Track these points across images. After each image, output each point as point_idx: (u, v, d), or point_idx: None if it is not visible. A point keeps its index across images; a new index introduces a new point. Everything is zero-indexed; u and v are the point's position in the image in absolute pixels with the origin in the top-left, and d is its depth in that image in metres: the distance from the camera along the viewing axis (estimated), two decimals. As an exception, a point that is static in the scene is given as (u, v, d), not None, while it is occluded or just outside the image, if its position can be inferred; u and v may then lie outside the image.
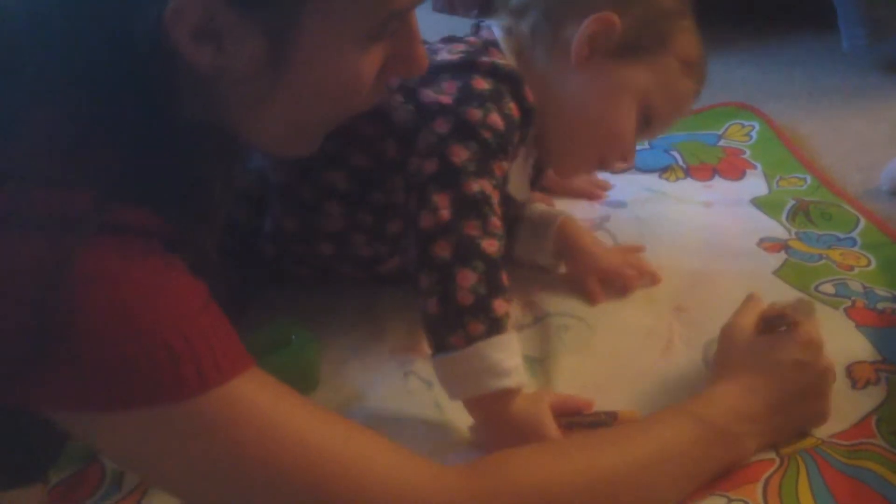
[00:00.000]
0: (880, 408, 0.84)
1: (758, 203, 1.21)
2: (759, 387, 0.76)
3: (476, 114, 0.81)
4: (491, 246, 0.77)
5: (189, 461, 0.58)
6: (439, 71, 0.84)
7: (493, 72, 0.84)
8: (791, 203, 1.20)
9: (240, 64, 0.59)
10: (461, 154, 0.79)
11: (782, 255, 1.07)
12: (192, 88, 0.58)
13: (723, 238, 1.11)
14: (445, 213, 0.76)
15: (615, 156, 0.95)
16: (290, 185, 0.89)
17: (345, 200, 0.88)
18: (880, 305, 0.97)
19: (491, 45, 0.89)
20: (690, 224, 1.16)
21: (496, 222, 0.78)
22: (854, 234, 1.12)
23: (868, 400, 0.85)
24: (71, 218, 0.55)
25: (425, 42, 0.90)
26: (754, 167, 1.33)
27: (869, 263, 1.06)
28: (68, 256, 0.54)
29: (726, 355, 0.82)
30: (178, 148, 0.59)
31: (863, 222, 1.15)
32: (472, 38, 0.91)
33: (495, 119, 0.81)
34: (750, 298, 0.86)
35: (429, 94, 0.82)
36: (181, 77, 0.57)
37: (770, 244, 1.10)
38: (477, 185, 0.78)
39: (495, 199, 0.79)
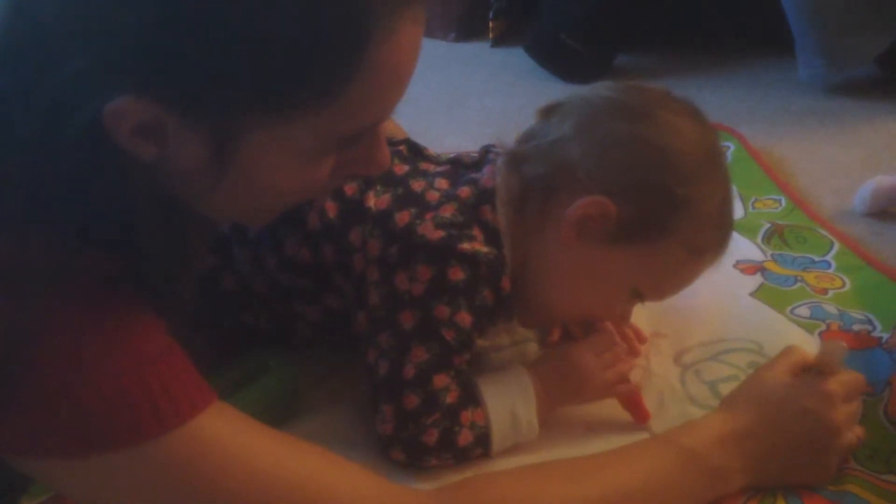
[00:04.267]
0: (856, 430, 0.84)
1: (734, 225, 1.22)
2: (755, 426, 0.76)
3: (444, 311, 0.79)
4: (430, 436, 0.79)
5: (152, 501, 0.59)
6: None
7: (473, 260, 0.79)
8: (766, 226, 1.21)
9: (183, 160, 0.57)
10: (420, 356, 0.79)
11: (758, 278, 1.08)
12: (138, 171, 0.57)
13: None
14: (389, 427, 0.79)
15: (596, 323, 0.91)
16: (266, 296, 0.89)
17: (316, 325, 0.90)
18: (855, 327, 0.98)
19: (486, 197, 0.82)
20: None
21: (435, 426, 0.79)
22: (828, 258, 1.14)
23: (844, 422, 0.85)
24: (28, 266, 0.55)
25: (426, 160, 0.89)
26: (730, 189, 1.34)
27: (843, 285, 1.07)
28: (25, 305, 0.54)
29: (741, 390, 0.81)
30: (134, 207, 0.58)
31: (837, 245, 1.16)
32: (468, 191, 0.83)
33: (463, 318, 0.79)
34: (791, 348, 0.83)
35: (402, 280, 0.79)
36: (125, 160, 0.56)
37: (746, 266, 1.11)
38: (417, 398, 0.78)
39: (452, 384, 0.80)
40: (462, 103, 1.72)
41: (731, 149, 1.48)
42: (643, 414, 0.86)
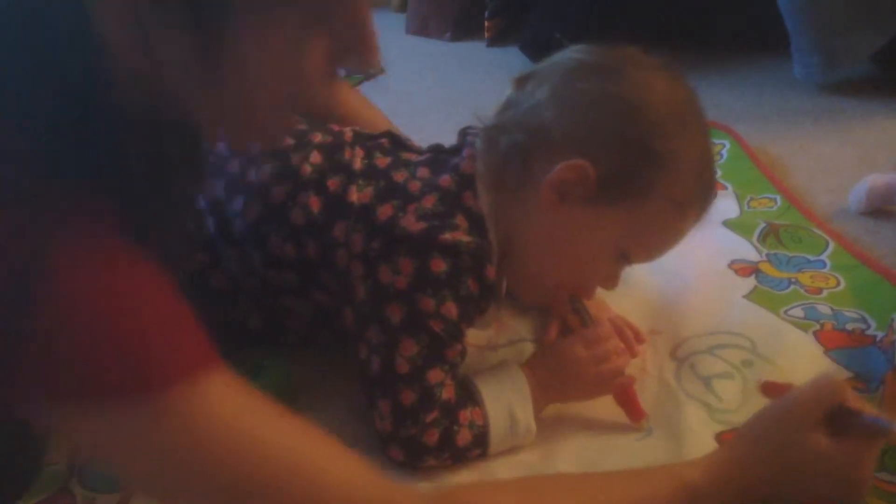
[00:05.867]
0: (850, 428, 0.85)
1: (729, 224, 1.23)
2: (766, 479, 0.72)
3: (430, 303, 0.79)
4: (431, 437, 0.79)
5: (157, 456, 0.58)
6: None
7: (454, 251, 0.79)
8: (762, 226, 1.21)
9: (172, 56, 0.55)
10: (410, 349, 0.79)
11: (752, 281, 1.08)
12: (129, 80, 0.55)
13: (694, 260, 1.12)
14: (388, 425, 0.80)
15: (585, 293, 0.92)
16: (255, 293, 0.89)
17: (306, 321, 0.91)
18: (849, 326, 0.98)
19: (467, 183, 0.82)
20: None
21: (435, 425, 0.79)
22: (824, 257, 1.14)
23: (837, 420, 0.86)
24: (47, 198, 0.54)
25: (408, 151, 0.89)
26: (725, 187, 1.34)
27: (838, 284, 1.08)
28: (47, 234, 0.53)
29: (760, 429, 0.75)
30: (127, 136, 0.57)
31: (832, 245, 1.16)
32: (448, 178, 0.83)
33: (449, 309, 0.79)
34: (832, 382, 0.75)
35: (386, 273, 0.80)
36: (114, 70, 0.55)
37: (741, 266, 1.12)
38: (414, 393, 0.79)
39: (447, 379, 0.80)
40: (458, 102, 1.72)
41: (726, 147, 1.48)
42: (638, 412, 0.86)
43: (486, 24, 2.15)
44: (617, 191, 0.79)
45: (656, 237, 0.85)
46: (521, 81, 0.85)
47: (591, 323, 0.90)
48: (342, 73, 0.78)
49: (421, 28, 2.24)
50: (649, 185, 0.79)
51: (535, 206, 0.82)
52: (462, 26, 2.21)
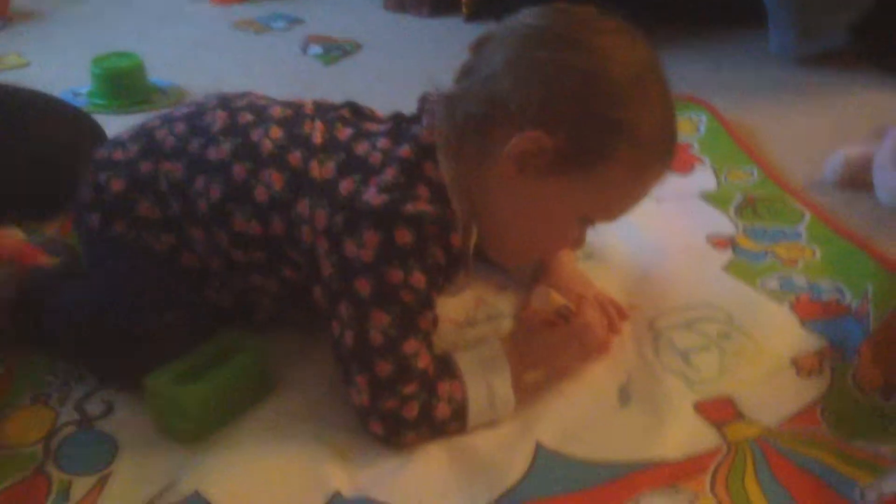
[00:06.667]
0: (825, 396, 0.86)
1: (707, 197, 1.23)
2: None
3: (397, 275, 0.79)
4: (411, 410, 0.79)
5: None
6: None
7: (418, 221, 0.79)
8: (739, 197, 1.22)
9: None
10: (382, 320, 0.79)
11: (729, 254, 1.09)
12: None
13: (672, 233, 1.13)
14: (365, 398, 0.80)
15: (555, 253, 0.94)
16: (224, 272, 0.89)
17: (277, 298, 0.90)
18: (825, 296, 0.99)
19: (427, 152, 0.82)
20: (641, 219, 1.17)
21: (415, 398, 0.80)
22: (800, 229, 1.15)
23: (812, 389, 0.87)
24: None
25: (370, 121, 0.89)
26: (702, 161, 1.34)
27: (814, 255, 1.08)
28: None
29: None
30: None
31: (808, 216, 1.17)
32: (408, 149, 0.83)
33: (417, 278, 0.79)
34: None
35: (351, 248, 0.80)
36: None
37: (718, 240, 1.12)
38: (389, 365, 0.79)
39: (422, 349, 0.81)
40: (436, 79, 1.71)
41: (703, 121, 1.48)
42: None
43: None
44: (576, 160, 0.79)
45: (617, 201, 0.85)
46: (478, 46, 0.84)
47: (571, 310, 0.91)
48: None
49: (398, 4, 2.22)
50: (608, 152, 0.79)
51: (495, 178, 0.82)
52: (440, 2, 2.19)
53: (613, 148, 0.79)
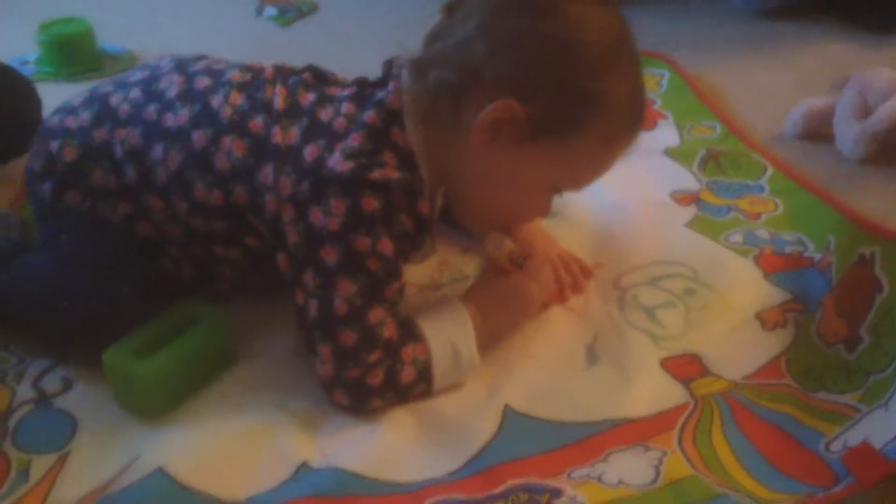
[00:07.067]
0: (789, 349, 0.86)
1: (670, 153, 1.23)
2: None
3: (364, 242, 0.78)
4: (375, 377, 0.78)
5: None
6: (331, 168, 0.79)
7: (385, 187, 0.78)
8: (702, 152, 1.21)
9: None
10: (348, 289, 0.77)
11: (693, 209, 1.09)
12: None
13: (637, 190, 1.12)
14: (329, 368, 0.79)
15: (524, 222, 0.94)
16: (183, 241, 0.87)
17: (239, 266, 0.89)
18: (788, 249, 0.99)
19: (394, 118, 0.81)
20: (606, 177, 1.16)
21: (379, 365, 0.79)
22: (762, 182, 1.15)
23: (777, 341, 0.88)
24: None
25: (332, 85, 0.87)
26: (665, 117, 1.34)
27: (776, 208, 1.08)
28: None
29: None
30: None
31: (770, 169, 1.17)
32: (374, 114, 0.81)
33: (385, 246, 0.78)
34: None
35: (317, 216, 0.78)
36: None
37: (682, 196, 1.12)
38: (354, 334, 0.78)
39: (387, 318, 0.80)
40: (391, 40, 1.68)
41: (665, 77, 1.47)
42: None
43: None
44: (548, 129, 0.79)
45: (586, 171, 0.85)
46: (450, 10, 0.82)
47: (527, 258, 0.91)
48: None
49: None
50: (580, 123, 0.79)
51: (467, 145, 0.81)
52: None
53: (586, 119, 0.79)
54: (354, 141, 0.79)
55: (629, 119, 0.83)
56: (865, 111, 1.21)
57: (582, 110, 0.79)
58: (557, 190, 0.86)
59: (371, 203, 0.78)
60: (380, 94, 0.82)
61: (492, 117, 0.78)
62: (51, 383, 0.84)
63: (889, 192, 1.13)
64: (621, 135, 0.83)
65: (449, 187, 0.86)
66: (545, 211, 0.89)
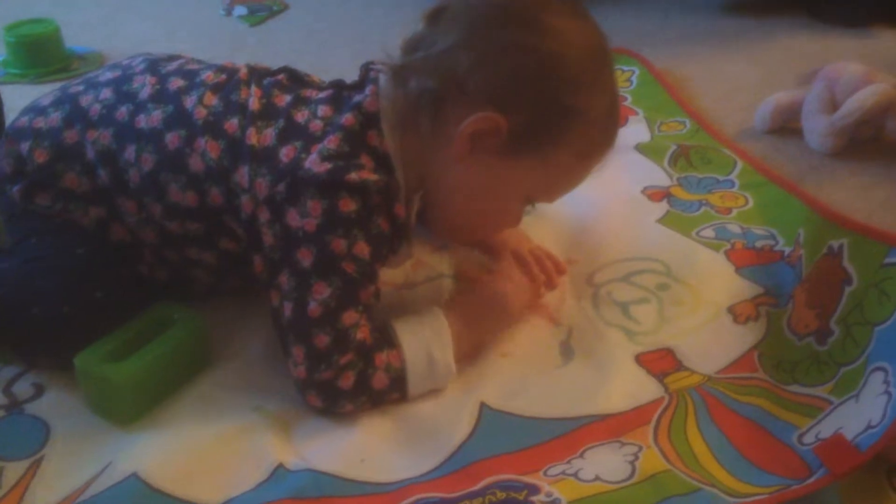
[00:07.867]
0: (761, 342, 0.87)
1: (641, 149, 1.23)
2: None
3: (340, 244, 0.78)
4: (346, 380, 0.78)
5: None
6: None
7: (362, 189, 0.78)
8: (672, 148, 1.22)
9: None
10: (322, 292, 0.77)
11: (664, 205, 1.10)
12: None
13: (608, 187, 1.12)
14: (302, 370, 0.78)
15: (495, 233, 0.95)
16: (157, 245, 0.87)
17: (214, 270, 0.88)
18: (758, 244, 1.00)
19: (371, 122, 0.81)
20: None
21: (350, 367, 0.78)
22: (732, 177, 1.16)
23: (749, 335, 0.88)
24: None
25: (308, 87, 0.86)
26: (636, 113, 1.35)
27: (746, 203, 1.09)
28: None
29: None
30: None
31: (740, 164, 1.18)
32: (351, 117, 0.81)
33: (361, 248, 0.78)
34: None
35: (294, 217, 0.78)
36: None
37: (653, 191, 1.13)
38: (327, 336, 0.77)
39: (361, 320, 0.79)
40: (365, 38, 1.68)
41: (635, 73, 1.48)
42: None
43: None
44: (527, 143, 0.80)
45: (561, 182, 0.87)
46: (433, 18, 0.82)
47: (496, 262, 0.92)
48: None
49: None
50: (559, 137, 0.80)
51: (446, 154, 0.81)
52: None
53: (566, 133, 0.80)
54: (331, 143, 0.79)
55: (606, 134, 0.84)
56: (833, 105, 1.23)
57: (562, 124, 0.80)
58: (530, 201, 0.87)
59: (348, 204, 0.77)
60: (357, 98, 0.82)
61: (473, 128, 0.78)
62: (22, 389, 0.83)
63: (856, 184, 1.15)
64: (597, 149, 0.84)
65: (426, 195, 0.86)
66: (516, 221, 0.91)
